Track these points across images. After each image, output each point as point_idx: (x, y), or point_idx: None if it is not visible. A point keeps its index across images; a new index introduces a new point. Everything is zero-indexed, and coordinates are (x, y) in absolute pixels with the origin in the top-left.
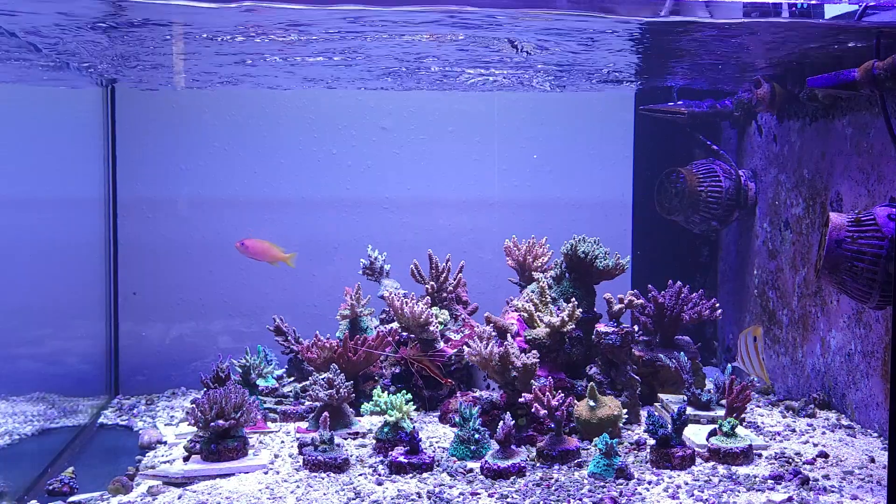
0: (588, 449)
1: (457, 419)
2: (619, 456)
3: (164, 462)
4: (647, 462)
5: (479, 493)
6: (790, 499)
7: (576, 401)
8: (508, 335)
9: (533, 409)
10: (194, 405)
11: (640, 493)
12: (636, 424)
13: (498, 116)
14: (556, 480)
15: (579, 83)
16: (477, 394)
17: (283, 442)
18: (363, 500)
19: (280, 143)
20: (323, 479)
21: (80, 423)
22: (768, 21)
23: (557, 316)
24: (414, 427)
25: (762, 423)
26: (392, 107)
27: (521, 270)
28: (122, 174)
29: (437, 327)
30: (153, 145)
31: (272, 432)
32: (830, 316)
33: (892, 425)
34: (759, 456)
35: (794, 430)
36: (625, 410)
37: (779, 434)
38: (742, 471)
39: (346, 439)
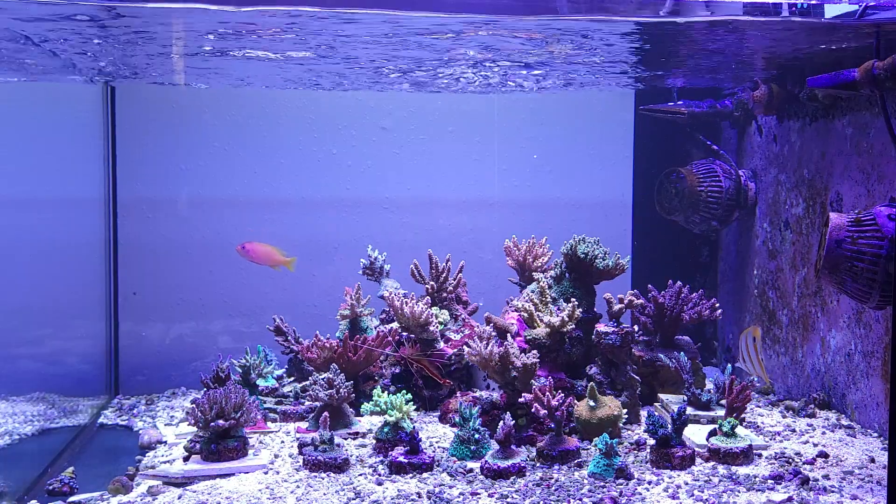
0: (588, 449)
1: (457, 419)
2: (619, 456)
3: (164, 462)
4: (647, 462)
5: (479, 493)
6: (790, 499)
7: (576, 401)
8: (508, 335)
9: (533, 409)
10: (194, 405)
11: (640, 493)
12: (636, 424)
13: (498, 116)
14: (556, 480)
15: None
16: (477, 394)
17: (283, 442)
18: (363, 500)
19: (280, 143)
20: (323, 479)
21: (80, 423)
22: (768, 21)
23: (557, 316)
24: (414, 427)
25: (762, 423)
26: (392, 107)
27: (521, 270)
28: (122, 174)
29: (437, 327)
30: (153, 145)
31: (272, 432)
32: (830, 316)
33: (892, 425)
34: (759, 456)
35: (794, 430)
36: (625, 410)
37: (779, 434)
38: (742, 471)
39: (346, 439)
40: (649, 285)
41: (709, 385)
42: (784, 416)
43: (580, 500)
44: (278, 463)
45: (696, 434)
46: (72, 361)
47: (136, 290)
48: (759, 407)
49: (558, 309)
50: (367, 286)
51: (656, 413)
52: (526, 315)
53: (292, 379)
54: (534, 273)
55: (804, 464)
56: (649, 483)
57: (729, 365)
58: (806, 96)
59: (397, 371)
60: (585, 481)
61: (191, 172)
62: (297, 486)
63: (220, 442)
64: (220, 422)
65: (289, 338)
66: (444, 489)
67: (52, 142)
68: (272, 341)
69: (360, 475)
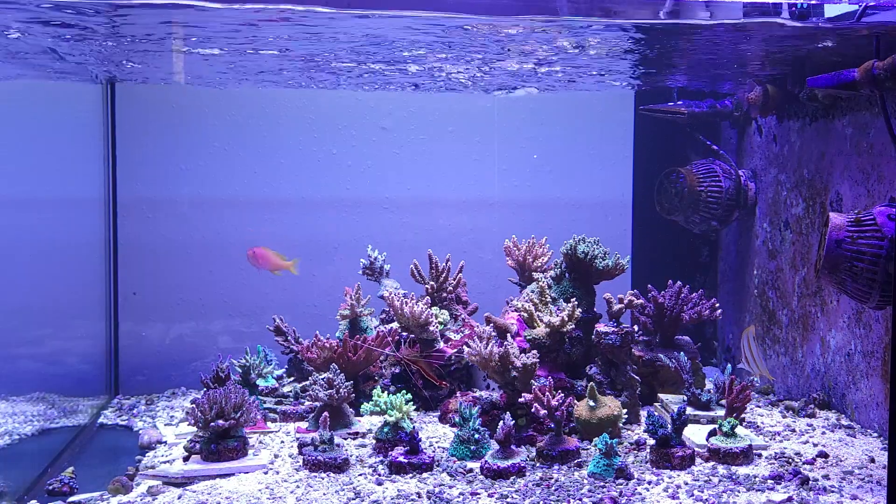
0: (588, 449)
1: (457, 419)
2: (619, 456)
3: (164, 462)
4: (646, 462)
5: (478, 493)
6: (790, 499)
7: (576, 401)
8: (508, 335)
9: (533, 409)
10: (194, 405)
11: (640, 493)
12: (636, 424)
13: (498, 116)
14: (556, 480)
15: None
16: (477, 394)
17: (283, 442)
18: (363, 500)
19: (280, 143)
20: (323, 479)
21: (80, 423)
22: (768, 21)
23: (557, 316)
24: (414, 427)
25: (762, 423)
26: (392, 107)
27: (521, 270)
28: (122, 174)
29: (436, 327)
30: (153, 145)
31: (272, 432)
32: (830, 316)
33: (892, 425)
34: (759, 456)
35: (793, 430)
36: (625, 410)
37: (778, 434)
38: (742, 471)
39: (346, 439)
40: (649, 285)
41: (709, 385)
42: (784, 416)
43: (580, 500)
44: (278, 463)
45: (695, 434)
46: (72, 361)
47: (136, 290)
48: (759, 407)
49: (558, 309)
50: (367, 286)
51: (656, 413)
52: (526, 315)
53: (292, 379)
54: (534, 273)
55: (804, 464)
56: (649, 483)
57: (728, 365)
58: (806, 96)
59: (397, 371)
60: (585, 481)
61: (191, 172)
62: (297, 486)
63: (220, 442)
64: (220, 422)
65: (289, 338)
66: (444, 489)
67: (52, 142)
68: (272, 341)
69: (360, 475)
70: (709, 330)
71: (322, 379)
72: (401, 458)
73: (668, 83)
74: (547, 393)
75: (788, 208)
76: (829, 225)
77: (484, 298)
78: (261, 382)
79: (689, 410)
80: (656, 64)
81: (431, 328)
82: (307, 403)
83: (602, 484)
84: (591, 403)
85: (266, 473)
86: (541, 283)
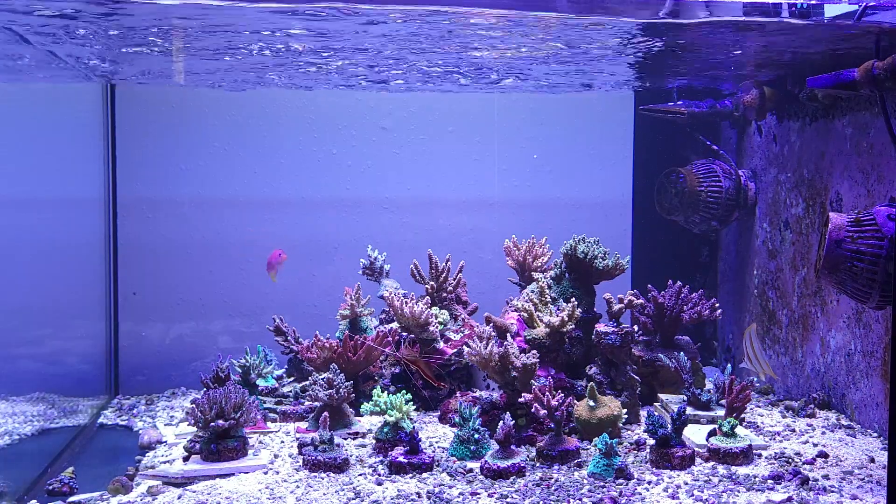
0: (588, 449)
1: (457, 419)
2: (619, 456)
3: (164, 462)
4: (646, 462)
5: (478, 493)
6: (790, 499)
7: (576, 401)
8: (508, 335)
9: (533, 409)
10: (194, 405)
11: (640, 493)
12: (636, 424)
13: (498, 116)
14: (556, 480)
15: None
16: (477, 394)
17: (282, 442)
18: (363, 500)
19: (280, 143)
20: (323, 479)
21: (80, 423)
22: (768, 21)
23: (557, 316)
24: (414, 427)
25: (762, 423)
26: (392, 107)
27: (521, 270)
28: (122, 174)
29: (436, 327)
30: (153, 145)
31: (272, 432)
32: (830, 316)
33: (892, 425)
34: (759, 456)
35: (793, 430)
36: (624, 410)
37: (778, 434)
38: (742, 471)
39: (345, 439)
40: (649, 285)
41: (708, 385)
42: (784, 416)
43: (580, 500)
44: (278, 463)
45: (695, 434)
46: (72, 361)
47: (136, 290)
48: (759, 407)
49: (558, 309)
50: (366, 286)
51: (656, 413)
52: (526, 315)
53: (292, 379)
54: (533, 273)
55: (804, 464)
56: (649, 483)
57: (728, 365)
58: (806, 96)
59: (397, 371)
60: (585, 481)
61: (191, 172)
62: (297, 486)
63: (220, 442)
64: (220, 422)
65: (289, 338)
66: (444, 489)
67: (52, 142)
68: (272, 341)
69: (360, 475)
70: (709, 330)
71: (322, 379)
72: (401, 458)
73: (667, 83)
74: (547, 393)
75: (788, 208)
76: (829, 225)
77: (484, 298)
78: (261, 382)
79: (689, 410)
80: (656, 64)
81: (431, 328)
82: (307, 403)
83: (602, 484)
84: (591, 403)
85: (266, 473)
86: (541, 283)
